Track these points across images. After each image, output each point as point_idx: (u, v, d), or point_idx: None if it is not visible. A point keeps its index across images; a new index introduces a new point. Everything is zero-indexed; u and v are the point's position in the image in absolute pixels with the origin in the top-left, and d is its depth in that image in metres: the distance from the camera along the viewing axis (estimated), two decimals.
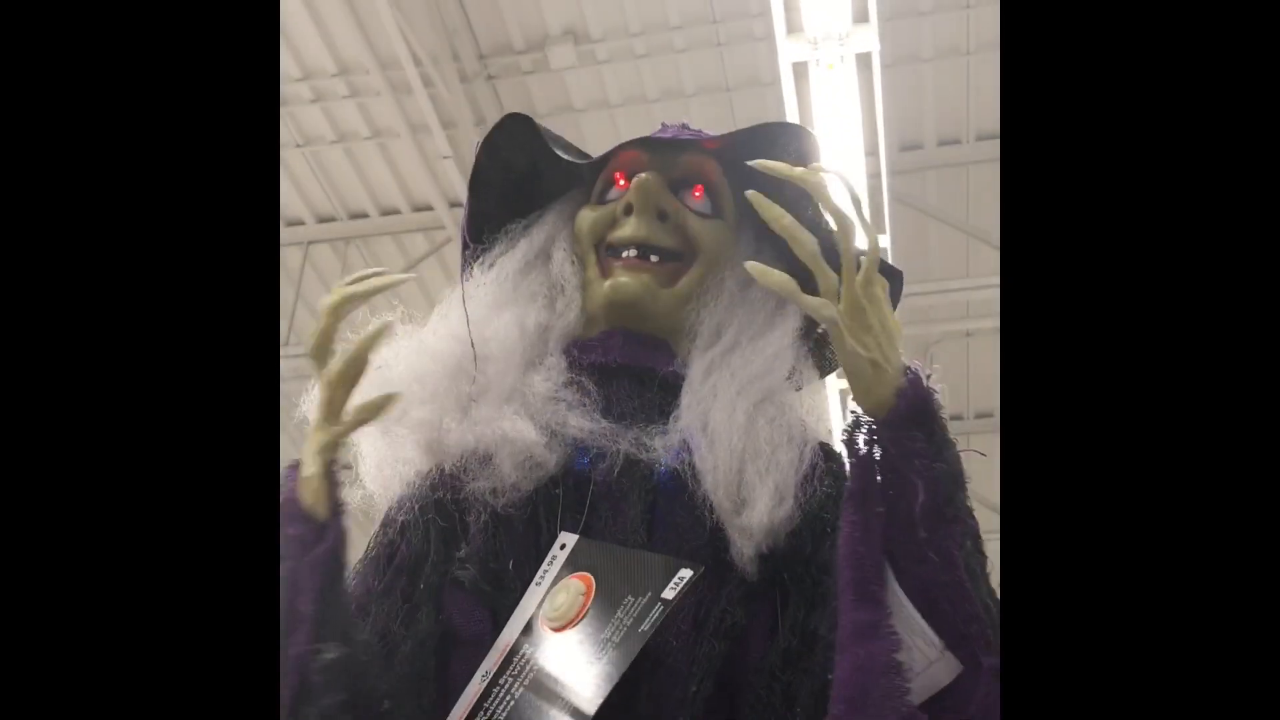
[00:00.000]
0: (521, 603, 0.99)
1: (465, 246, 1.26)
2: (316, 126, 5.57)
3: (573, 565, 0.98)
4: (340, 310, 1.00)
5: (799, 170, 1.00)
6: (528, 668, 0.95)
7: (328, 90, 5.39)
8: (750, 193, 0.99)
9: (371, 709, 0.95)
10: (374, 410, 0.99)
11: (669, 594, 0.92)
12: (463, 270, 1.24)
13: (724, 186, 1.21)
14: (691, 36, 5.04)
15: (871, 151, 4.48)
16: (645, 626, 0.91)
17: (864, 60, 4.06)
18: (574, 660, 0.92)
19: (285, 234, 6.03)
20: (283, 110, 5.43)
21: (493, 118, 5.32)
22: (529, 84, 5.27)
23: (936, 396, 0.94)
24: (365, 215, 5.99)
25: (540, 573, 1.00)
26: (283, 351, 5.72)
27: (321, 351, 1.00)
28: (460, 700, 0.96)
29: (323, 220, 6.04)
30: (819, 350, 1.23)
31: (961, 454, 0.94)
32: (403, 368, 1.11)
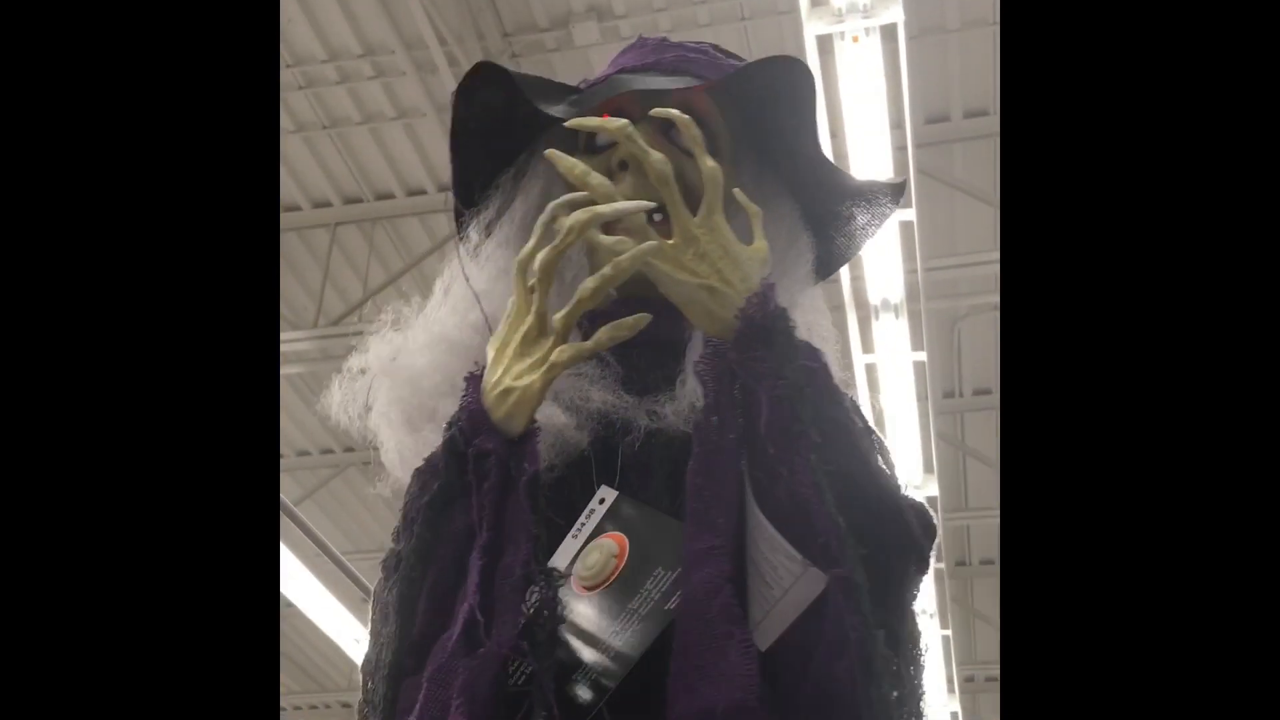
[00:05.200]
0: (554, 556, 0.99)
1: (459, 215, 1.22)
2: (343, 107, 5.58)
3: (609, 523, 0.98)
4: (587, 230, 0.98)
5: (608, 123, 1.00)
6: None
7: (353, 71, 5.40)
8: (549, 151, 1.01)
9: None
10: (631, 329, 0.99)
11: None
12: (459, 235, 1.20)
13: (717, 120, 1.16)
14: (716, 11, 5.02)
15: (898, 124, 4.44)
16: (671, 604, 0.91)
17: (889, 32, 4.02)
18: (601, 624, 0.93)
19: (312, 215, 6.06)
20: (309, 91, 5.45)
21: None
22: (553, 61, 5.26)
23: (776, 310, 0.93)
24: (391, 196, 6.01)
25: (577, 525, 0.99)
26: (311, 332, 5.75)
27: (551, 267, 0.99)
28: None
29: (349, 201, 6.06)
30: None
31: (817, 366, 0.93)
32: (423, 360, 1.10)
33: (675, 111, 1.01)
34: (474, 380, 1.01)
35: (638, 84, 1.14)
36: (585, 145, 1.16)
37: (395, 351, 1.12)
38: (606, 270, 0.96)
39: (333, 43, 5.29)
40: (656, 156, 0.97)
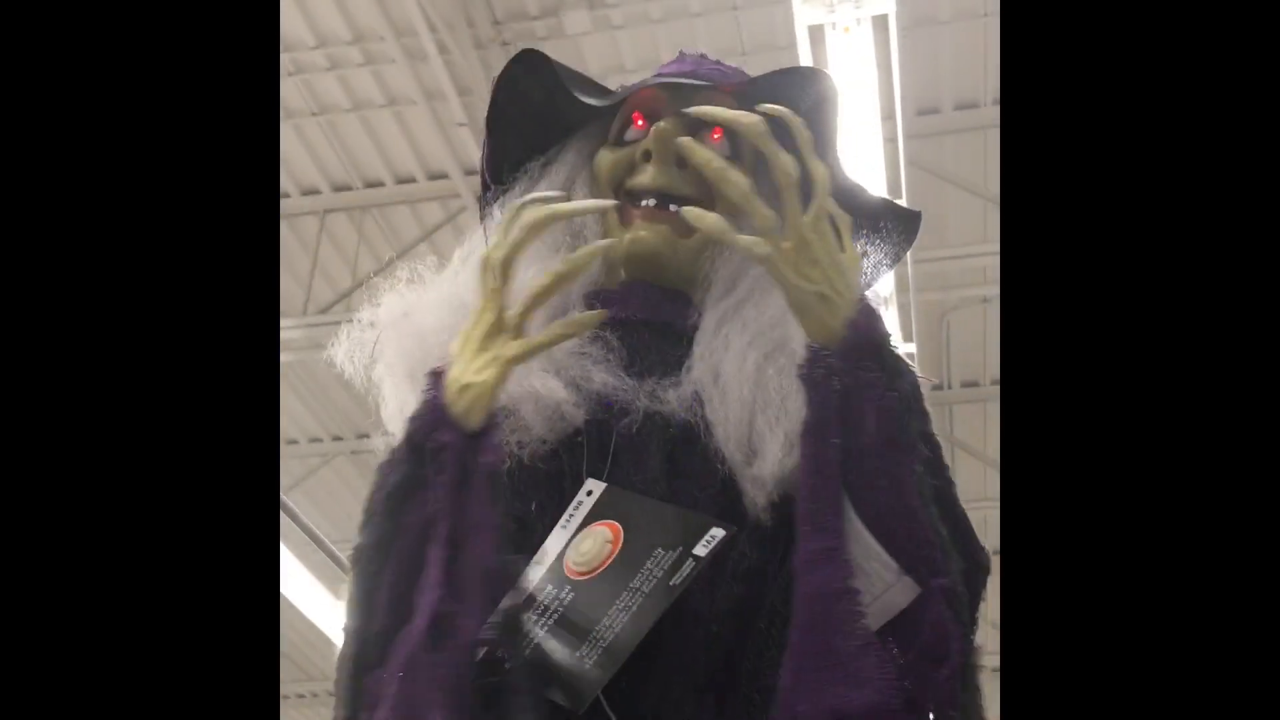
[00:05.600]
0: (545, 545, 1.00)
1: (486, 188, 1.26)
2: (332, 95, 5.56)
3: (599, 513, 0.99)
4: (542, 228, 1.01)
5: (730, 113, 1.01)
6: (551, 609, 0.96)
7: (343, 58, 5.37)
8: (681, 140, 1.02)
9: None
10: (582, 326, 1.01)
11: (701, 551, 0.93)
12: (482, 212, 1.24)
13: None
14: (707, 0, 5.00)
15: (888, 115, 4.44)
16: (676, 580, 0.92)
17: (880, 23, 4.02)
18: (601, 606, 0.94)
19: (301, 203, 6.03)
20: (298, 78, 5.43)
21: None
22: (544, 50, 5.24)
23: (882, 324, 0.96)
24: (381, 184, 5.98)
25: (566, 516, 1.00)
26: (301, 320, 5.73)
27: (509, 264, 1.01)
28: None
29: (338, 189, 6.04)
30: None
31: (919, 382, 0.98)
32: (433, 319, 1.12)
33: (782, 109, 1.02)
34: (436, 376, 1.03)
35: (671, 81, 1.19)
36: (615, 139, 1.21)
37: (407, 308, 1.14)
38: (561, 267, 0.99)
39: (322, 29, 5.26)
40: (786, 158, 0.98)
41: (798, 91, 1.17)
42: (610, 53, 5.25)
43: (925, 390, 1.00)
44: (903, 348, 4.65)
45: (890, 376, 0.94)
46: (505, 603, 0.99)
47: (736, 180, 0.98)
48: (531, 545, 1.02)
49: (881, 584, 0.89)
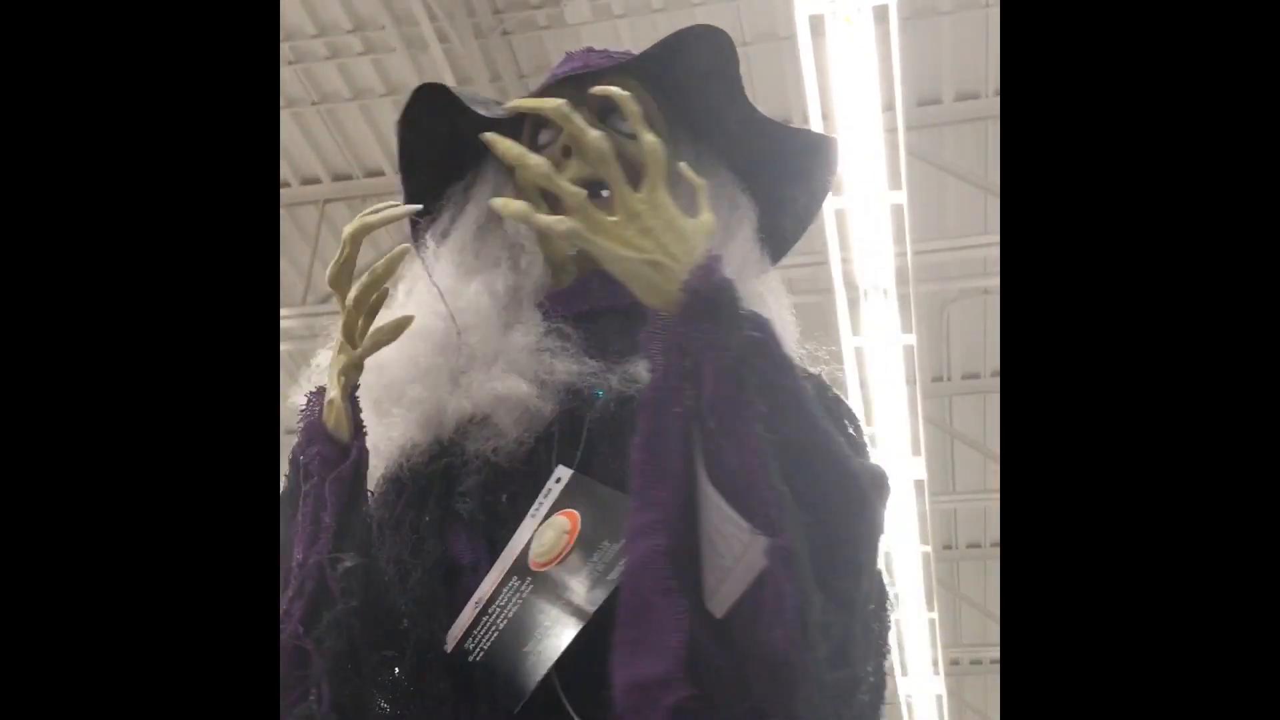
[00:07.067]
0: (516, 535, 1.02)
1: (415, 223, 1.26)
2: (332, 83, 5.56)
3: (566, 500, 1.01)
4: (358, 239, 1.06)
5: (545, 102, 0.99)
6: (514, 600, 0.98)
7: (343, 46, 5.37)
8: (486, 135, 0.99)
9: (386, 624, 1.02)
10: (391, 333, 1.06)
11: None
12: (415, 244, 1.24)
13: (649, 103, 1.21)
14: None
15: (889, 106, 4.44)
16: (613, 575, 0.94)
17: (881, 13, 4.02)
18: (551, 599, 0.96)
19: (301, 192, 6.03)
20: (299, 67, 5.42)
21: (508, 73, 5.30)
22: (544, 39, 5.24)
23: (720, 281, 0.93)
24: (381, 173, 5.98)
25: (536, 505, 1.02)
26: (300, 309, 5.73)
27: (341, 279, 1.06)
28: (454, 626, 1.01)
29: (338, 178, 6.03)
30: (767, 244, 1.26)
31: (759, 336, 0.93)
32: (390, 350, 1.12)
33: (614, 89, 1.01)
34: (315, 396, 1.09)
35: (569, 77, 1.21)
36: (529, 147, 1.20)
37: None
38: (365, 278, 1.05)
39: (322, 18, 5.26)
40: (593, 134, 0.96)
41: (695, 52, 1.19)
42: (611, 41, 5.21)
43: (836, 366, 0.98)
44: (902, 339, 4.62)
45: (725, 333, 0.91)
46: (478, 593, 1.01)
47: (535, 163, 0.96)
48: (506, 536, 1.03)
49: (739, 545, 0.86)
